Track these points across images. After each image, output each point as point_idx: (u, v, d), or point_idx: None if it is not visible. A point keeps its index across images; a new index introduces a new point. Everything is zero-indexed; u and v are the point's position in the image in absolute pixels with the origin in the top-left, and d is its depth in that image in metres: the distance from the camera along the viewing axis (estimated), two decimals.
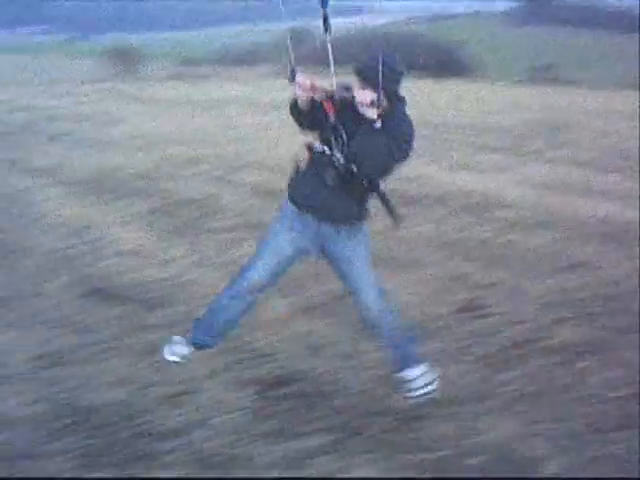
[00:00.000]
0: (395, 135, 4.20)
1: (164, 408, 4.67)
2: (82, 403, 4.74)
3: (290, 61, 4.33)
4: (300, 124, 4.52)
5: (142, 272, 7.34)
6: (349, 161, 4.25)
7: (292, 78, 4.28)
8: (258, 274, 4.53)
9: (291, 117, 4.49)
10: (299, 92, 4.31)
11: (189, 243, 8.33)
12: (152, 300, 6.56)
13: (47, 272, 7.38)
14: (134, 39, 73.37)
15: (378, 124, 4.18)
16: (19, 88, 30.40)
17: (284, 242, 4.50)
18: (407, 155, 4.29)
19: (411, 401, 4.57)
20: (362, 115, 4.22)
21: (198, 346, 4.75)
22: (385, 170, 4.31)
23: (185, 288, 6.88)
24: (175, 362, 4.70)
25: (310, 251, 4.57)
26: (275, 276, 4.59)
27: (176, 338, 4.74)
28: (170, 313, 6.22)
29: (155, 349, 5.08)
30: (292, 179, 4.58)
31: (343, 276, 4.61)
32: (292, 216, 4.50)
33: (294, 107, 4.44)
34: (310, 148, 4.46)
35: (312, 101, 4.33)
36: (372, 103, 4.14)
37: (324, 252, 4.56)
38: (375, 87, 4.10)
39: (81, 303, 6.53)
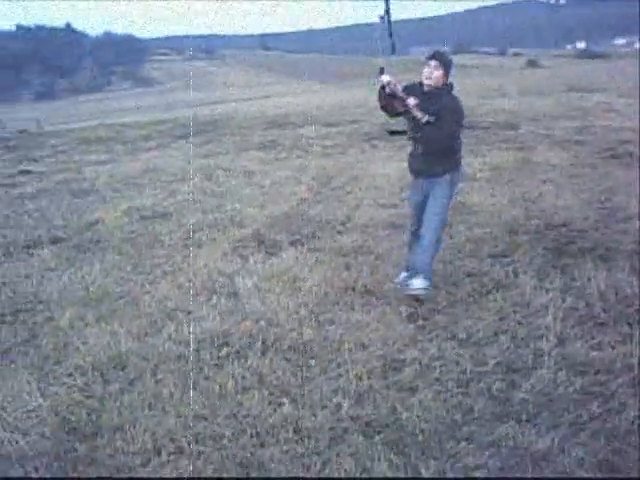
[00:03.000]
0: (445, 119, 6.47)
1: None
2: None
3: (380, 66, 6.51)
4: (386, 110, 6.81)
5: None
6: (423, 138, 6.63)
7: (380, 72, 6.49)
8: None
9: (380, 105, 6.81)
10: (386, 84, 6.48)
11: None
12: None
13: None
14: None
15: (425, 119, 6.41)
16: None
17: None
18: (457, 130, 6.78)
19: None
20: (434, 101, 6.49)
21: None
22: (443, 145, 6.71)
23: None
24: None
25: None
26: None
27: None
28: None
29: None
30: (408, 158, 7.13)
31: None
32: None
33: (380, 93, 6.61)
34: (405, 132, 6.93)
35: (390, 94, 6.54)
36: (417, 105, 6.42)
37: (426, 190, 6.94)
38: (446, 68, 6.60)
39: None
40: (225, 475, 4.34)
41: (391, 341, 5.93)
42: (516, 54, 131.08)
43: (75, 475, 4.47)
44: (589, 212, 9.66)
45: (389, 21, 6.61)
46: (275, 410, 4.95)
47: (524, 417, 4.74)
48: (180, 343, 6.13)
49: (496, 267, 7.63)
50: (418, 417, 4.75)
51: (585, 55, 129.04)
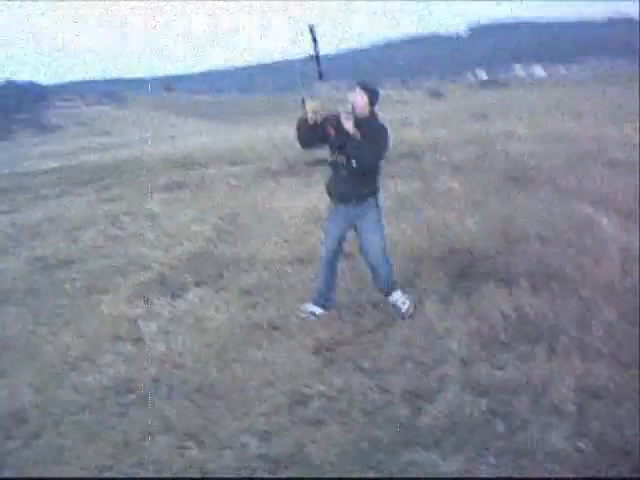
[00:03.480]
0: (373, 141, 6.78)
1: None
2: (626, 441, 4.70)
3: (301, 92, 6.77)
4: (302, 141, 7.10)
5: None
6: (349, 161, 6.84)
7: (303, 104, 6.77)
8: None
9: (296, 135, 7.08)
10: (310, 115, 6.75)
11: None
12: None
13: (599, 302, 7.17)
14: None
15: (358, 136, 6.71)
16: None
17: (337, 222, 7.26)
18: (384, 152, 6.96)
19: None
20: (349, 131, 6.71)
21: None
22: (372, 164, 6.94)
23: None
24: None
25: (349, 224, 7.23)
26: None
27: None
28: None
29: None
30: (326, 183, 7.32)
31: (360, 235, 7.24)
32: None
33: (302, 125, 6.90)
34: (328, 160, 7.14)
35: (316, 123, 6.79)
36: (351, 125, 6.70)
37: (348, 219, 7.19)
38: (371, 96, 6.85)
39: (631, 335, 6.31)
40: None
41: (297, 376, 5.94)
42: (420, 86, 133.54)
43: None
44: (491, 236, 9.83)
45: (316, 49, 6.81)
46: (181, 455, 4.91)
47: (430, 442, 4.80)
48: (83, 393, 6.04)
49: None
50: (325, 450, 4.76)
51: (487, 84, 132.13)
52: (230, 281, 8.92)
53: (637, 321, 6.61)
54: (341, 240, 7.38)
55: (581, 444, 4.65)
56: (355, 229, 7.28)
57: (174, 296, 8.47)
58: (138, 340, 7.16)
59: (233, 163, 22.23)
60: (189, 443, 5.04)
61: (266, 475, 4.59)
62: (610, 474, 4.33)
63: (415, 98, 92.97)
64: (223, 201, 15.20)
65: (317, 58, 6.78)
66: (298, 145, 7.26)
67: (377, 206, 7.24)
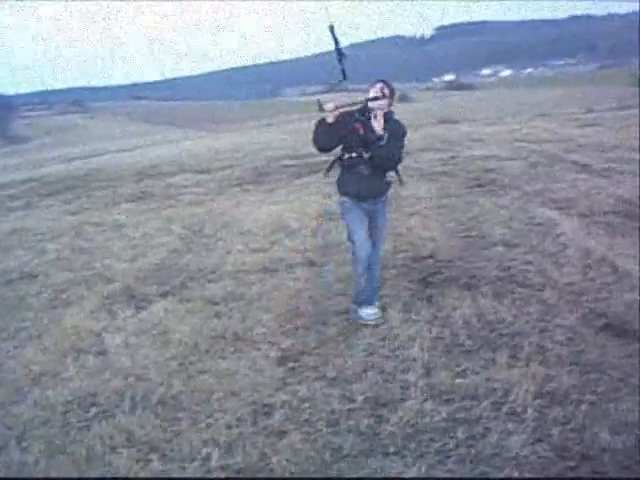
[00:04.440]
0: (398, 139, 6.97)
1: None
2: (586, 446, 4.73)
3: (317, 99, 6.83)
4: (322, 142, 6.96)
5: None
6: (374, 158, 6.88)
7: (320, 107, 6.73)
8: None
9: (314, 139, 6.95)
10: (329, 114, 6.71)
11: None
12: None
13: (561, 306, 7.32)
14: None
15: (386, 136, 6.80)
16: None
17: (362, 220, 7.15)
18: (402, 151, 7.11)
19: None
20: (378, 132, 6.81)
21: None
22: (398, 162, 7.07)
23: None
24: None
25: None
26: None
27: None
28: None
29: None
30: (338, 181, 7.23)
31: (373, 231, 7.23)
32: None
33: (321, 127, 6.83)
34: (341, 158, 7.08)
35: (337, 120, 6.74)
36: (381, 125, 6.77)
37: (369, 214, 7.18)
38: (390, 94, 6.90)
39: (592, 340, 6.43)
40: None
41: (261, 386, 5.95)
42: None
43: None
44: (454, 242, 9.93)
45: (338, 47, 6.77)
46: (144, 468, 4.92)
47: (392, 450, 4.83)
48: (46, 408, 6.01)
49: None
50: (287, 460, 4.79)
51: (453, 87, 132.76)
52: (195, 291, 8.93)
53: (598, 325, 6.71)
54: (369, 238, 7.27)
55: (541, 449, 4.70)
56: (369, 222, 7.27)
57: (139, 308, 8.45)
58: (102, 353, 7.14)
59: (199, 172, 22.20)
60: (152, 456, 5.03)
61: None
62: (569, 478, 4.37)
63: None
64: (189, 211, 15.19)
65: (339, 58, 6.78)
66: (316, 149, 7.18)
67: (388, 202, 7.53)
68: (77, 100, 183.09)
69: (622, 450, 4.60)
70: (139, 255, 11.30)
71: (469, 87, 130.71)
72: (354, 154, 6.96)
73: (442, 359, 6.18)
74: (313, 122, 7.01)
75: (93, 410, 5.87)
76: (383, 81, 6.97)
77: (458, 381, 5.73)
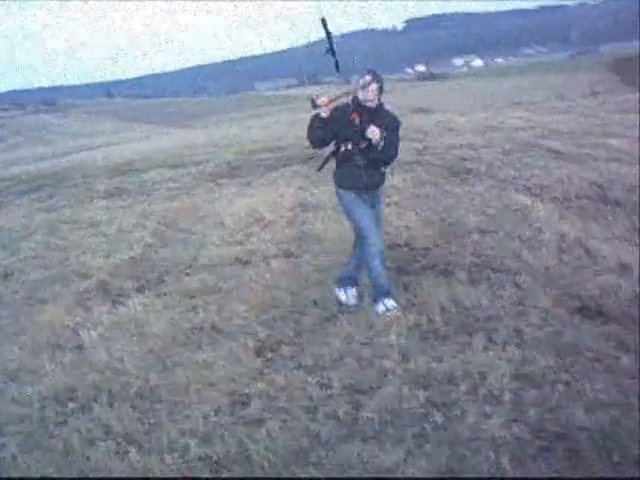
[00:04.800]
0: (394, 133, 7.04)
1: None
2: (561, 425, 4.80)
3: (309, 96, 6.80)
4: (317, 139, 6.99)
5: (629, 290, 7.16)
6: (371, 149, 6.85)
7: (313, 104, 6.70)
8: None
9: (309, 135, 6.99)
10: (322, 109, 6.70)
11: None
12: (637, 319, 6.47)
13: (536, 290, 7.35)
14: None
15: (382, 143, 6.82)
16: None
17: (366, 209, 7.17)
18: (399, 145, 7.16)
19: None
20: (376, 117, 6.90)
21: None
22: (394, 158, 7.20)
23: None
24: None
25: None
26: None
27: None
28: None
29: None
30: (335, 175, 7.22)
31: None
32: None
33: (315, 123, 6.83)
34: (336, 152, 7.06)
35: (331, 114, 6.73)
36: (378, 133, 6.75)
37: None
38: (381, 84, 6.90)
39: (567, 321, 6.51)
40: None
41: (238, 376, 5.97)
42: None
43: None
44: (430, 230, 9.94)
45: (330, 39, 6.72)
46: (122, 460, 4.91)
47: (370, 435, 4.86)
48: (24, 404, 6.01)
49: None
50: (266, 449, 4.80)
51: (425, 77, 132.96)
52: (171, 285, 8.92)
53: (573, 307, 6.77)
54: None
55: (517, 430, 4.74)
56: None
57: (115, 303, 8.44)
58: (78, 348, 7.13)
59: (173, 167, 22.09)
60: (130, 448, 5.04)
61: (209, 476, 4.62)
62: (546, 458, 4.41)
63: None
64: (163, 206, 15.12)
65: (332, 51, 6.74)
66: (311, 145, 7.21)
67: (383, 192, 7.64)
68: (49, 99, 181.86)
69: (597, 429, 4.65)
70: (114, 251, 11.25)
71: (441, 77, 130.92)
72: (350, 146, 6.97)
73: (419, 345, 6.23)
74: (309, 117, 6.99)
75: (71, 405, 5.88)
76: (371, 71, 6.93)
77: (435, 366, 5.77)
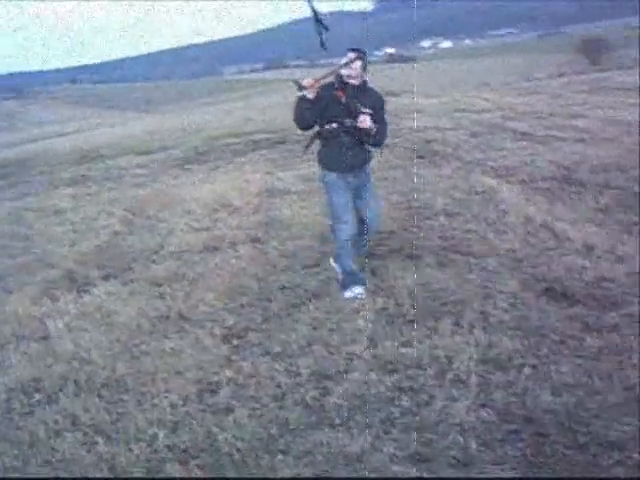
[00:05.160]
0: (382, 114, 7.08)
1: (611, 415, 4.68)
2: (528, 409, 4.82)
3: (294, 80, 6.77)
4: (304, 120, 6.89)
5: (594, 271, 7.24)
6: (360, 133, 6.86)
7: (299, 87, 6.62)
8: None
9: (296, 118, 6.87)
10: (308, 90, 6.59)
11: None
12: (604, 300, 6.53)
13: (502, 273, 7.44)
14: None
15: (374, 128, 6.85)
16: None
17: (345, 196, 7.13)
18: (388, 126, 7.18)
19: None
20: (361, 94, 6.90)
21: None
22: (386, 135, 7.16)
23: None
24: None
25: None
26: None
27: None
28: (623, 314, 6.21)
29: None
30: (319, 155, 7.24)
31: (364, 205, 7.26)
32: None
33: (301, 104, 6.73)
34: (320, 133, 7.03)
35: (318, 95, 6.64)
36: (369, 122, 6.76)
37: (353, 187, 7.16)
38: (365, 62, 6.83)
39: (533, 304, 6.55)
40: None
41: (206, 364, 5.94)
42: (328, 65, 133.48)
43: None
44: (397, 213, 9.96)
45: (316, 19, 6.58)
46: (89, 450, 4.89)
47: (338, 422, 4.86)
48: None
49: (309, 278, 7.81)
50: (234, 437, 4.79)
51: (394, 60, 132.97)
52: (138, 273, 8.87)
53: (539, 290, 6.82)
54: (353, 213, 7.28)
55: (485, 414, 4.76)
56: (355, 199, 7.26)
57: (81, 292, 8.37)
58: (44, 338, 7.07)
59: (140, 153, 21.97)
60: (97, 438, 5.01)
61: (175, 465, 4.61)
62: (513, 441, 4.44)
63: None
64: (130, 192, 15.04)
65: (318, 28, 6.66)
66: (298, 128, 7.16)
67: (370, 175, 7.49)
68: (14, 86, 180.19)
69: (563, 411, 4.68)
70: (80, 239, 11.19)
71: (410, 59, 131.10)
72: (335, 124, 6.93)
73: (386, 329, 6.23)
74: (295, 98, 6.88)
75: (37, 396, 5.83)
76: (355, 49, 6.84)
77: (403, 351, 5.78)
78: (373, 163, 7.49)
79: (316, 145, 7.29)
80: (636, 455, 4.18)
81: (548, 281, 6.99)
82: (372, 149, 7.24)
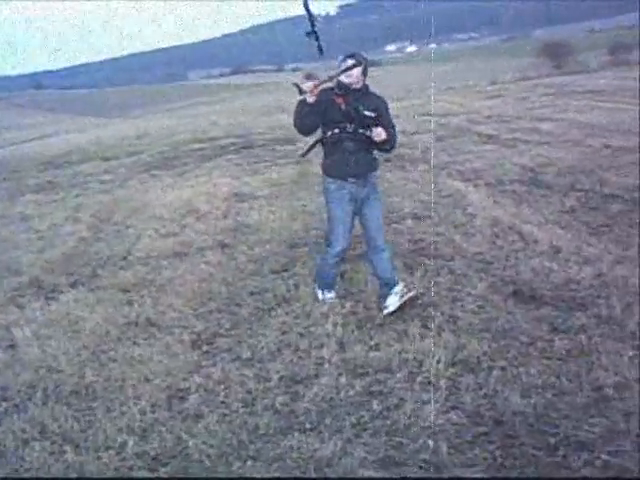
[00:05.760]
0: (388, 119, 6.86)
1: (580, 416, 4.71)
2: (497, 411, 4.85)
3: (294, 83, 6.58)
4: (305, 125, 6.63)
5: (561, 273, 7.35)
6: (361, 131, 6.62)
7: (300, 90, 6.41)
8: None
9: (297, 122, 6.62)
10: (309, 94, 6.38)
11: (610, 241, 8.29)
12: (572, 302, 6.61)
13: (470, 276, 7.49)
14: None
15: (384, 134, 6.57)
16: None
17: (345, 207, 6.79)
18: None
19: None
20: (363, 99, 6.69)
21: None
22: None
23: (606, 288, 6.88)
24: None
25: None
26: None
27: None
28: (591, 315, 6.28)
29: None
30: (323, 163, 6.93)
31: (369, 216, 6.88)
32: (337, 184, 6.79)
33: (301, 108, 6.52)
34: (323, 139, 6.78)
35: (318, 100, 6.42)
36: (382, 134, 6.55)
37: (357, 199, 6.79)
38: (365, 66, 6.64)
39: (501, 306, 6.59)
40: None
41: (175, 371, 5.91)
42: (295, 69, 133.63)
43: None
44: None
45: (313, 25, 6.41)
46: (58, 459, 4.85)
47: (308, 426, 4.86)
48: None
49: (278, 282, 7.80)
50: (204, 443, 4.77)
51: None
52: (105, 279, 8.81)
53: (507, 292, 6.86)
54: (352, 229, 6.97)
55: (455, 416, 4.78)
56: (359, 210, 6.89)
57: (48, 299, 8.31)
58: (11, 347, 7.00)
59: (106, 159, 21.88)
60: (66, 447, 4.97)
61: (145, 473, 4.58)
62: (483, 443, 4.46)
63: (290, 82, 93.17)
64: (97, 199, 14.97)
65: (315, 34, 6.43)
66: (299, 132, 6.87)
67: (377, 187, 7.07)
68: None
69: (532, 413, 4.71)
70: (47, 246, 11.11)
71: (375, 64, 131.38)
72: (337, 130, 6.69)
73: (355, 333, 6.24)
74: (296, 103, 6.69)
75: (4, 405, 5.76)
76: (353, 55, 6.66)
77: (372, 354, 5.79)
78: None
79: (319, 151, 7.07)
80: (605, 455, 4.21)
81: (516, 283, 7.06)
82: (379, 155, 7.03)
